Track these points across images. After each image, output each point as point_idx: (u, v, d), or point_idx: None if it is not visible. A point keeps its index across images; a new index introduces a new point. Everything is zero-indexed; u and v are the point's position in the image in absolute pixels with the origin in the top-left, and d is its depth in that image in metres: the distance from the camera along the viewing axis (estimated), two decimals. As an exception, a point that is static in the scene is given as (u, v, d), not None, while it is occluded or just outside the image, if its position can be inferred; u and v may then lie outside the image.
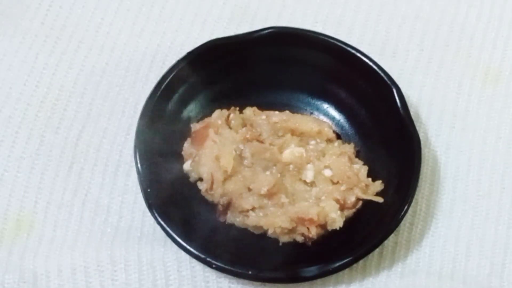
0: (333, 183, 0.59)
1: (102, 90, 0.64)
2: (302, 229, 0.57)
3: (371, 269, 0.59)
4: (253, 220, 0.57)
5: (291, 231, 0.57)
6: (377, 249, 0.58)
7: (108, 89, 0.64)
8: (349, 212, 0.58)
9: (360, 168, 0.59)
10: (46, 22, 0.66)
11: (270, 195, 0.58)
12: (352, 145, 0.61)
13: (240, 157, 0.59)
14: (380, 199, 0.58)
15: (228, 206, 0.58)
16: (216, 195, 0.58)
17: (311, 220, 0.56)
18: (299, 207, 0.57)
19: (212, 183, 0.58)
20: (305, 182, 0.59)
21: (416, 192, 0.58)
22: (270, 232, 0.57)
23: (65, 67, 0.65)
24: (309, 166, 0.59)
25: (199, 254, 0.55)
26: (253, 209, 0.58)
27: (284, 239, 0.58)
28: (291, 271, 0.56)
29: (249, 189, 0.57)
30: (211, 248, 0.56)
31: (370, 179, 0.59)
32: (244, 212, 0.58)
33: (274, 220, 0.57)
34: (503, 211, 0.62)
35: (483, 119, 0.64)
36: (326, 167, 0.59)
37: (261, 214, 0.58)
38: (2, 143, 0.62)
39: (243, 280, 0.58)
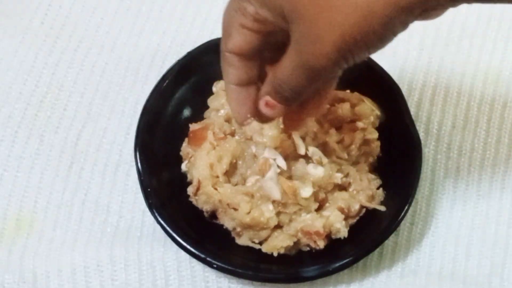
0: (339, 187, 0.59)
1: (101, 89, 0.64)
2: (307, 240, 0.57)
3: (371, 269, 0.59)
4: (244, 240, 0.57)
5: (296, 244, 0.57)
6: (377, 249, 0.58)
7: (108, 88, 0.64)
8: (353, 221, 0.58)
9: (375, 179, 0.59)
10: (46, 21, 0.66)
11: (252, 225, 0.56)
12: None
13: (234, 168, 0.58)
14: (383, 208, 0.58)
15: (213, 213, 0.58)
16: (200, 201, 0.58)
17: (317, 233, 0.56)
18: (303, 220, 0.57)
19: (198, 189, 0.57)
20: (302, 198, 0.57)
21: (416, 192, 0.58)
22: (274, 254, 0.57)
23: (64, 67, 0.65)
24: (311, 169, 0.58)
25: (199, 254, 0.55)
26: (239, 231, 0.57)
27: (290, 252, 0.57)
28: (291, 271, 0.56)
29: (235, 209, 0.56)
30: (211, 247, 0.56)
31: (378, 190, 0.59)
32: (233, 231, 0.58)
33: (273, 243, 0.56)
34: (503, 211, 0.62)
35: (483, 119, 0.64)
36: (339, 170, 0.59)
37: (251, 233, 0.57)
38: (2, 142, 0.62)
39: (243, 280, 0.58)
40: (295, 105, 0.49)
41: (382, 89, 0.61)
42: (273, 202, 0.56)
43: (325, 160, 0.57)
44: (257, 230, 0.56)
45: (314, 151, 0.57)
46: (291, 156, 0.57)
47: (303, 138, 0.58)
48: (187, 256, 0.57)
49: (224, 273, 0.56)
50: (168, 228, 0.56)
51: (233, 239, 0.58)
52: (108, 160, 0.62)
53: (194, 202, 0.58)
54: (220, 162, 0.57)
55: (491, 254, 0.60)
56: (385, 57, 0.65)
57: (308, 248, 0.57)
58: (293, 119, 0.53)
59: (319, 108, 0.53)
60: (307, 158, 0.57)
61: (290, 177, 0.57)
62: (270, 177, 0.55)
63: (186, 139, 0.60)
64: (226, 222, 0.57)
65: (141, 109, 0.60)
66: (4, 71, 0.64)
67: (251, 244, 0.57)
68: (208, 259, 0.55)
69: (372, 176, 0.59)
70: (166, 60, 0.65)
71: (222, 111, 0.59)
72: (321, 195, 0.57)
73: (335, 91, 0.60)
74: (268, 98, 0.48)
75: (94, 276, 0.57)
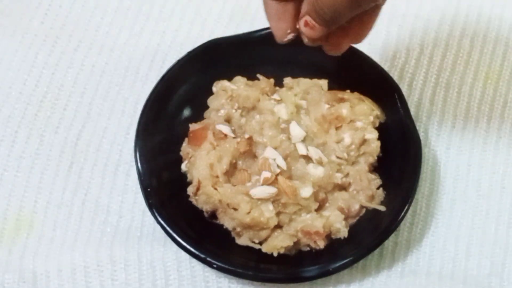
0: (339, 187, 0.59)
1: (101, 89, 0.64)
2: (307, 240, 0.57)
3: (371, 269, 0.59)
4: (244, 240, 0.57)
5: (296, 244, 0.57)
6: (377, 249, 0.58)
7: (108, 88, 0.64)
8: (353, 221, 0.58)
9: (375, 179, 0.59)
10: (46, 21, 0.66)
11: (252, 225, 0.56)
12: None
13: (234, 168, 0.57)
14: (383, 208, 0.58)
15: (213, 213, 0.58)
16: (200, 201, 0.58)
17: (317, 233, 0.56)
18: (303, 220, 0.57)
19: (198, 189, 0.57)
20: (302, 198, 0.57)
21: (416, 192, 0.58)
22: (274, 254, 0.57)
23: (64, 67, 0.65)
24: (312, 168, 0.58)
25: (199, 254, 0.55)
26: (239, 231, 0.57)
27: (290, 252, 0.57)
28: (291, 271, 0.56)
29: (235, 209, 0.56)
30: (211, 247, 0.56)
31: (378, 190, 0.59)
32: (233, 231, 0.58)
33: (273, 243, 0.56)
34: (503, 211, 0.62)
35: (483, 119, 0.64)
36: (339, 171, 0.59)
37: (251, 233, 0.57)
38: (2, 142, 0.62)
39: (243, 280, 0.58)
40: (334, 27, 0.49)
41: (382, 89, 0.61)
42: (273, 202, 0.56)
43: (325, 160, 0.57)
44: (257, 230, 0.56)
45: (314, 151, 0.57)
46: (291, 156, 0.57)
47: (303, 138, 0.58)
48: (187, 256, 0.57)
49: (224, 273, 0.56)
50: (168, 228, 0.56)
51: (233, 239, 0.58)
52: (108, 160, 0.62)
53: (194, 202, 0.58)
54: (220, 162, 0.57)
55: (491, 254, 0.60)
56: (385, 57, 0.65)
57: (308, 248, 0.57)
58: (334, 43, 0.53)
59: (361, 35, 0.53)
60: (307, 158, 0.57)
61: (290, 177, 0.57)
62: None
63: (186, 139, 0.60)
64: (226, 222, 0.57)
65: (141, 109, 0.60)
66: (4, 71, 0.64)
67: (251, 244, 0.57)
68: (208, 259, 0.55)
69: (372, 176, 0.59)
70: (166, 60, 0.65)
71: (222, 111, 0.59)
72: (321, 195, 0.57)
73: (335, 91, 0.60)
74: (308, 18, 0.48)
75: (94, 276, 0.57)
